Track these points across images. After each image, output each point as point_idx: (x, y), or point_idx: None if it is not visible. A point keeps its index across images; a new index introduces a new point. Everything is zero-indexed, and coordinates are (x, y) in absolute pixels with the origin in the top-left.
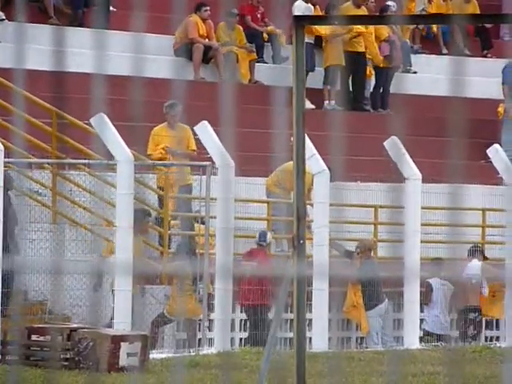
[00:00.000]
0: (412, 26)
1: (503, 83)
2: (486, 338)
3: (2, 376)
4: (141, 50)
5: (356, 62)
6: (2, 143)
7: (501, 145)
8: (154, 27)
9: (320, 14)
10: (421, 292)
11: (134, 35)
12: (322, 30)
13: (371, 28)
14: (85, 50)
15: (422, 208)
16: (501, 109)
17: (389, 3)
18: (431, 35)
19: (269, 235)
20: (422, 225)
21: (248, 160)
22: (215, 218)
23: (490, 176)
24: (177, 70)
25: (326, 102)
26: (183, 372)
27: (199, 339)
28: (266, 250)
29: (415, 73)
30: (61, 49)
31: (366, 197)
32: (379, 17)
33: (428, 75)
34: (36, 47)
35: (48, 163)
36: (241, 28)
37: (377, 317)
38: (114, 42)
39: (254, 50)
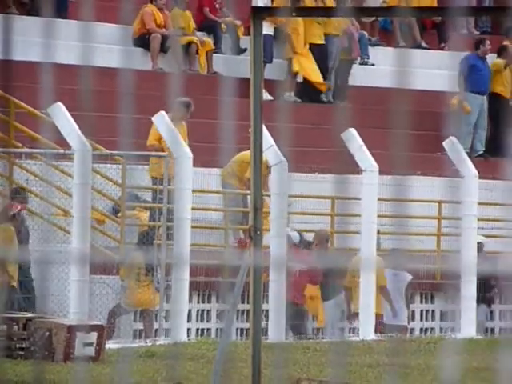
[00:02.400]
0: (371, 19)
1: (459, 75)
2: (442, 329)
3: None
4: (93, 39)
5: (318, 53)
6: None
7: (456, 137)
8: (106, 16)
9: (279, 5)
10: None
11: (86, 24)
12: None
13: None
14: (36, 39)
15: (379, 200)
16: (455, 101)
17: None
18: (389, 27)
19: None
20: (379, 216)
21: (206, 151)
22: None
23: (446, 168)
24: (135, 60)
25: (286, 94)
26: (139, 362)
27: (155, 329)
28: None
29: (373, 65)
30: (9, 37)
31: (324, 188)
32: (338, 9)
33: (385, 67)
34: None
35: (4, 152)
36: (188, 14)
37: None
38: (67, 32)
39: (211, 39)
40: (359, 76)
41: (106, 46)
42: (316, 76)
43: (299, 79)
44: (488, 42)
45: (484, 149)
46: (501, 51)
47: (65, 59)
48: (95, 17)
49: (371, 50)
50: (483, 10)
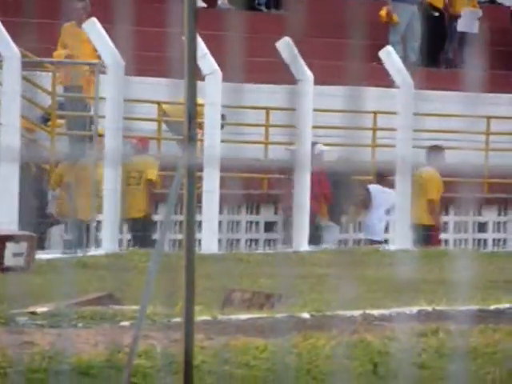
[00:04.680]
0: None
1: None
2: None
3: None
4: None
5: None
6: None
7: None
8: None
9: None
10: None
11: None
12: None
13: None
14: None
15: (314, 110)
16: (383, 12)
17: None
18: None
19: None
20: (315, 127)
21: (139, 59)
22: (104, 117)
23: (381, 78)
24: None
25: (220, 1)
26: (70, 273)
27: (87, 240)
28: None
29: None
30: None
31: (259, 98)
32: None
33: None
34: None
35: None
36: None
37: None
38: None
39: None
40: None
41: None
42: None
43: None
44: None
45: (417, 58)
46: None
47: None
48: None
49: None
50: None
